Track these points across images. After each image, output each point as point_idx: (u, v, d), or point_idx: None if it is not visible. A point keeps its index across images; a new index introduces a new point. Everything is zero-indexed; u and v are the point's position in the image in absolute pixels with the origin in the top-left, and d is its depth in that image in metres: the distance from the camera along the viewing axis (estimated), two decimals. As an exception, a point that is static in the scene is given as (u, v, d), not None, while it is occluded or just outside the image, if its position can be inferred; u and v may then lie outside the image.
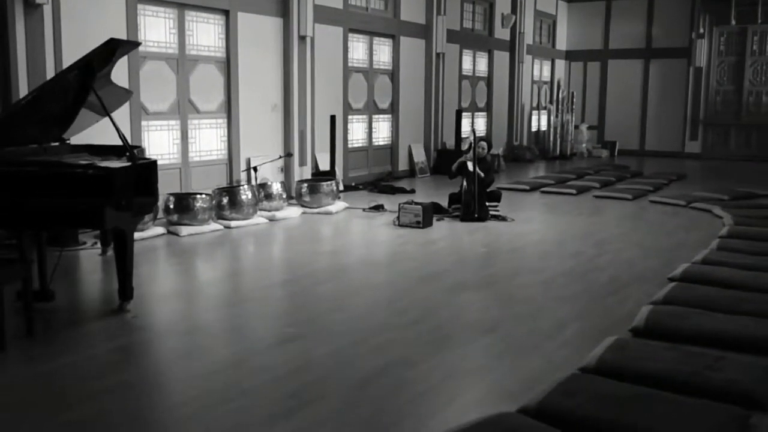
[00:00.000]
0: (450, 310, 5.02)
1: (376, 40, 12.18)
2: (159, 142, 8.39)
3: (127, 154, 4.98)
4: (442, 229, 8.10)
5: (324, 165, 10.80)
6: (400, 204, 8.27)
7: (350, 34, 11.40)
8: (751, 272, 5.89)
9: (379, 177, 12.22)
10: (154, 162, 5.13)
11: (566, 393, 3.43)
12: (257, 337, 4.44)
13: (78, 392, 3.56)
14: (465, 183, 8.72)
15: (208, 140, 9.12)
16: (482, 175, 8.70)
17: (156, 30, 8.24)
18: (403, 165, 13.13)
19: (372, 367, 3.93)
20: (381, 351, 4.19)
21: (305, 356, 4.07)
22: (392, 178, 12.49)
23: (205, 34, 8.90)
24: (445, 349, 4.23)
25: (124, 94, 5.82)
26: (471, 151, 8.85)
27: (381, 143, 12.63)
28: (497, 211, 8.83)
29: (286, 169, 10.16)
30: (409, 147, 13.23)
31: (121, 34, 7.69)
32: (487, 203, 8.72)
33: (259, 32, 9.58)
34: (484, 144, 8.99)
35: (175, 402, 3.50)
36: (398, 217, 8.21)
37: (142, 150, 6.34)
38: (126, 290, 4.84)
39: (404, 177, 12.90)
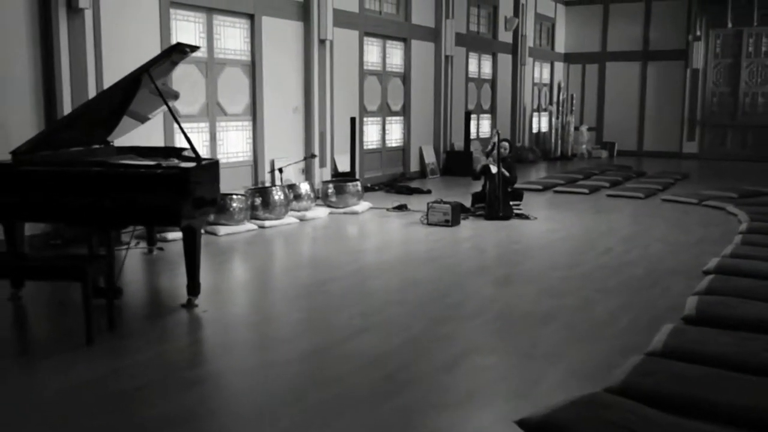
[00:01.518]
0: (503, 302, 5.23)
1: (389, 43, 12.40)
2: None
3: (195, 154, 5.14)
4: (470, 227, 8.31)
5: (342, 166, 10.99)
6: (428, 203, 8.48)
7: (365, 38, 11.60)
8: (781, 264, 6.16)
9: (392, 178, 12.42)
10: (217, 162, 5.31)
11: (644, 374, 3.65)
12: (328, 329, 4.61)
13: (173, 382, 3.73)
14: (488, 183, 8.95)
15: (235, 142, 9.28)
16: (507, 174, 8.94)
17: (186, 34, 8.40)
18: (414, 166, 13.34)
19: (449, 354, 4.13)
20: (451, 340, 4.39)
21: (382, 346, 4.25)
22: (405, 179, 12.70)
23: (232, 38, 9.07)
24: (512, 338, 4.44)
25: (172, 96, 6.00)
26: (494, 152, 9.08)
27: (394, 145, 12.84)
28: (520, 209, 9.07)
29: (307, 170, 10.34)
30: (420, 148, 13.44)
31: (155, 38, 7.88)
32: (510, 202, 8.95)
33: (281, 36, 9.76)
34: (506, 144, 9.22)
35: (272, 387, 3.67)
36: (427, 216, 8.41)
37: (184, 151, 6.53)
38: (195, 286, 5.01)
39: (415, 178, 13.12)
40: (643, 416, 3.16)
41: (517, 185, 9.45)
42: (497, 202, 8.83)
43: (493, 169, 8.92)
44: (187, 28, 8.42)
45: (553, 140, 18.34)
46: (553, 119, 18.35)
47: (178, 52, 5.16)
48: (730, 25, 17.42)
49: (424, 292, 5.52)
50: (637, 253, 6.93)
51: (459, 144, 14.28)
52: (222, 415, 3.33)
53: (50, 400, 3.48)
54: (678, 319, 4.75)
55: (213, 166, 5.18)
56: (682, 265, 6.45)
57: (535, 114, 18.65)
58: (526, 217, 8.88)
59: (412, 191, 11.21)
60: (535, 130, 18.63)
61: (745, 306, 4.86)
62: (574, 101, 18.90)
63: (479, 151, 14.93)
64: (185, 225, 4.76)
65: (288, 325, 4.69)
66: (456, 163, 13.89)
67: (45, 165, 4.86)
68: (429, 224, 8.32)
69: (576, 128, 18.88)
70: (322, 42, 10.26)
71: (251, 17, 9.26)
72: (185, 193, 4.65)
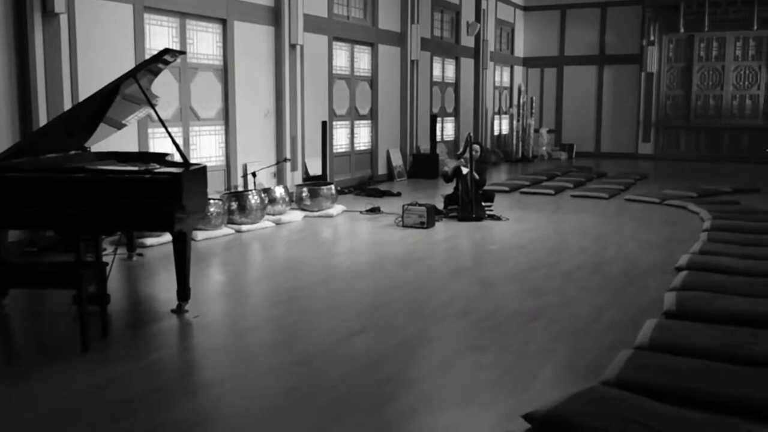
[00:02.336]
0: (490, 302, 5.35)
1: (357, 47, 12.49)
2: (163, 150, 8.46)
3: (182, 159, 5.15)
4: (445, 229, 8.44)
5: (313, 170, 11.03)
6: (404, 206, 8.58)
7: (334, 42, 11.67)
8: (749, 260, 6.44)
9: (360, 181, 12.50)
10: (205, 167, 5.31)
11: (637, 366, 3.81)
12: (322, 332, 4.65)
13: (177, 389, 3.75)
14: (461, 185, 9.11)
15: (208, 147, 9.25)
16: (477, 177, 9.12)
17: (160, 38, 8.35)
18: (382, 169, 13.44)
19: (445, 353, 4.24)
20: (445, 339, 4.50)
21: (378, 347, 4.33)
22: (373, 182, 12.78)
23: (205, 42, 9.05)
24: (503, 336, 4.57)
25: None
26: (465, 154, 9.24)
27: (362, 148, 12.93)
28: (492, 210, 9.25)
29: (279, 174, 10.35)
30: (388, 152, 13.56)
31: (129, 43, 7.83)
32: (482, 203, 9.13)
33: (253, 40, 9.77)
34: (477, 147, 9.39)
35: (273, 391, 3.71)
36: (402, 218, 8.52)
37: (171, 156, 6.53)
38: (185, 291, 5.01)
39: (383, 181, 13.21)
40: (642, 406, 3.30)
41: (486, 187, 9.63)
42: (470, 203, 8.99)
43: (464, 170, 9.08)
44: (160, 33, 8.37)
45: (514, 142, 18.65)
46: (514, 122, 18.67)
47: (166, 57, 5.16)
48: (682, 30, 17.97)
49: (411, 294, 5.62)
50: (612, 252, 7.15)
51: (425, 147, 14.44)
52: (230, 421, 3.36)
53: (56, 410, 3.45)
54: (659, 314, 4.94)
55: (202, 171, 5.19)
56: (655, 263, 6.68)
57: (497, 117, 18.95)
58: (498, 218, 9.05)
59: (382, 194, 11.31)
60: (496, 133, 18.93)
61: (722, 300, 5.07)
62: (534, 104, 19.26)
63: (445, 154, 15.14)
64: (177, 230, 4.76)
65: (281, 329, 4.72)
66: (423, 165, 14.04)
67: (32, 171, 4.81)
68: (404, 226, 8.43)
69: (536, 131, 19.23)
70: (292, 47, 10.29)
71: (223, 22, 9.25)
72: (178, 197, 4.65)
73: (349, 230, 8.55)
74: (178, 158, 7.12)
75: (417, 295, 5.57)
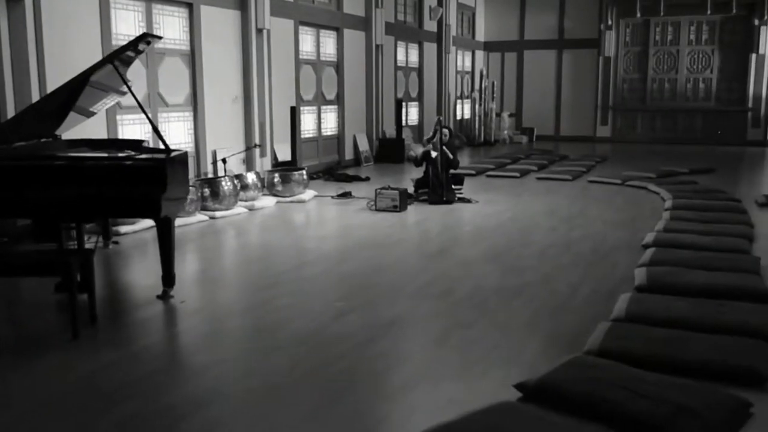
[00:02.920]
0: (472, 281, 5.50)
1: (323, 32, 12.49)
2: (132, 136, 8.41)
3: (164, 146, 5.15)
4: (418, 212, 8.58)
5: (282, 155, 11.05)
6: (376, 189, 8.68)
7: (300, 27, 11.66)
8: (710, 237, 6.72)
9: (328, 166, 12.54)
10: (186, 153, 5.33)
11: (617, 337, 4.00)
12: (313, 313, 4.73)
13: (177, 371, 3.81)
14: (431, 168, 9.24)
15: (177, 133, 9.19)
16: (451, 157, 9.27)
17: (126, 23, 8.26)
18: (349, 154, 13.51)
19: (436, 330, 4.38)
20: (434, 317, 4.64)
21: (371, 326, 4.43)
22: (340, 167, 12.84)
23: (171, 27, 8.97)
24: (489, 312, 4.72)
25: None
26: (435, 138, 9.37)
27: (329, 133, 12.97)
28: (462, 193, 9.41)
29: (248, 161, 10.34)
30: (354, 137, 13.62)
31: (96, 28, 7.74)
32: (453, 186, 9.28)
33: (219, 25, 9.71)
34: (446, 131, 9.53)
35: (273, 371, 3.78)
36: (375, 202, 8.62)
37: (147, 143, 6.51)
38: (170, 277, 5.03)
39: (350, 166, 13.28)
40: (626, 373, 3.48)
41: (456, 170, 9.78)
42: (440, 187, 9.14)
43: (433, 154, 9.22)
44: (126, 17, 8.28)
45: (476, 127, 18.86)
46: (476, 106, 18.88)
47: (143, 42, 5.15)
48: (638, 14, 18.40)
49: (395, 275, 5.74)
50: (581, 232, 7.37)
51: (390, 132, 14.53)
52: (234, 400, 3.44)
53: (55, 397, 3.48)
54: (631, 288, 5.16)
55: (183, 157, 5.21)
56: (622, 241, 6.93)
57: (459, 101, 19.13)
58: (469, 201, 9.22)
59: (351, 179, 11.38)
60: (459, 117, 19.12)
61: (689, 274, 5.31)
62: (495, 88, 19.49)
63: (410, 138, 15.27)
64: (163, 216, 4.78)
65: (271, 312, 4.78)
66: (389, 150, 14.15)
67: (11, 160, 4.77)
68: (377, 210, 8.53)
69: (497, 115, 19.48)
70: (259, 31, 10.26)
71: (190, 6, 9.18)
72: (163, 184, 4.67)
73: (323, 215, 8.62)
74: (153, 144, 7.15)
75: (399, 276, 5.70)
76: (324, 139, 12.82)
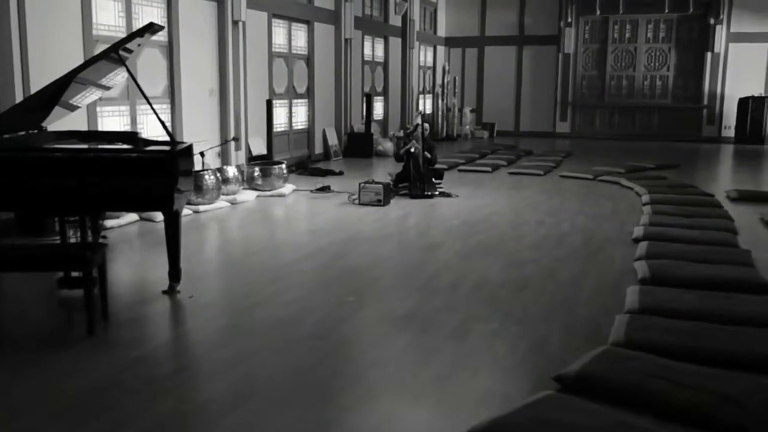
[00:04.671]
0: (476, 274, 5.54)
1: (294, 25, 12.37)
2: (113, 128, 8.19)
3: (170, 138, 5.04)
4: (402, 206, 8.58)
5: (256, 149, 10.91)
6: (360, 183, 8.66)
7: (273, 19, 11.52)
8: (695, 230, 6.93)
9: (299, 160, 12.44)
10: (191, 145, 5.22)
11: (639, 329, 4.09)
12: (328, 307, 4.66)
13: (206, 365, 3.74)
14: (412, 163, 9.27)
15: (155, 126, 8.95)
16: (429, 155, 9.31)
17: (106, 13, 8.03)
18: (318, 148, 13.42)
19: (455, 323, 4.40)
20: (450, 311, 4.64)
21: (388, 320, 4.44)
22: (311, 161, 12.75)
23: (150, 17, 8.74)
24: (501, 306, 4.77)
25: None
26: (416, 132, 9.40)
27: (300, 127, 12.86)
28: (442, 187, 9.46)
29: (223, 154, 10.18)
30: (324, 131, 13.54)
31: (77, 16, 7.51)
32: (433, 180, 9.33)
33: (196, 16, 9.52)
34: (426, 126, 9.57)
35: (312, 360, 3.75)
36: (359, 196, 8.59)
37: (139, 134, 6.36)
38: (177, 272, 4.93)
39: (320, 160, 13.20)
40: (659, 363, 3.56)
41: (437, 166, 9.82)
42: (421, 181, 9.17)
43: (413, 149, 9.25)
44: (106, 7, 8.04)
45: (439, 122, 18.96)
46: (439, 101, 18.97)
47: (149, 33, 5.02)
48: (598, 12, 18.77)
49: (397, 269, 5.74)
50: (567, 225, 7.50)
51: (358, 126, 14.50)
52: (272, 394, 3.39)
53: (87, 394, 3.37)
54: (634, 281, 5.28)
55: (189, 149, 5.11)
56: (610, 234, 7.08)
57: (422, 96, 19.19)
58: (449, 195, 9.27)
59: (325, 173, 11.32)
60: (420, 111, 19.15)
61: (690, 267, 5.47)
62: (457, 84, 19.62)
63: (378, 133, 15.26)
64: (175, 210, 4.68)
65: (285, 306, 4.71)
66: (357, 144, 14.12)
67: (15, 151, 4.59)
68: (361, 204, 8.51)
69: (459, 110, 19.62)
70: (235, 23, 10.10)
71: (168, -4, 8.98)
72: (174, 176, 4.57)
73: (307, 209, 8.55)
74: (146, 136, 6.98)
75: (402, 270, 5.70)
76: (295, 133, 12.71)
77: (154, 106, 8.70)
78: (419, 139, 9.35)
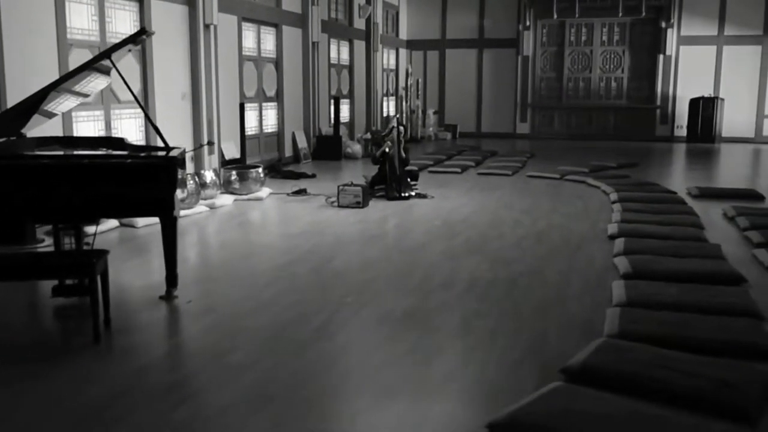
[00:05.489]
0: (465, 274, 5.69)
1: (263, 28, 12.38)
2: (86, 134, 8.11)
3: (164, 145, 5.07)
4: (381, 208, 8.69)
5: (229, 153, 10.90)
6: (339, 186, 8.75)
7: (243, 23, 11.52)
8: (666, 226, 7.22)
9: (270, 163, 12.45)
10: (185, 150, 5.25)
11: (632, 321, 4.30)
12: (328, 309, 4.73)
13: (220, 368, 3.80)
14: (388, 165, 9.39)
15: (129, 130, 8.92)
16: (404, 155, 9.46)
17: (79, 16, 7.97)
18: (288, 151, 13.45)
19: (455, 321, 4.55)
20: (448, 310, 4.79)
21: (391, 320, 4.56)
22: (281, 164, 12.77)
23: (123, 21, 8.70)
24: (495, 303, 4.93)
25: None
26: (392, 135, 9.54)
27: (269, 130, 12.88)
28: (417, 189, 9.61)
29: (197, 159, 10.15)
30: (293, 134, 13.57)
31: (51, 20, 7.44)
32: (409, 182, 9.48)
33: (169, 20, 9.49)
34: (401, 128, 9.71)
35: (324, 362, 3.84)
36: (338, 199, 8.68)
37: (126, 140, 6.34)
38: (174, 277, 4.96)
39: (290, 163, 13.23)
40: (657, 353, 3.75)
41: (411, 167, 9.97)
42: (398, 182, 9.31)
43: (388, 150, 9.40)
44: (80, 11, 7.97)
45: (403, 124, 19.11)
46: (403, 103, 19.15)
47: (140, 37, 5.04)
48: (555, 16, 19.19)
49: (388, 269, 5.84)
50: (544, 224, 7.72)
51: (326, 129, 14.56)
52: (294, 397, 3.48)
53: (103, 401, 3.41)
54: (616, 276, 5.50)
55: (184, 155, 5.14)
56: (586, 231, 7.32)
57: (385, 99, 19.34)
58: (425, 196, 9.43)
59: (298, 176, 11.37)
60: (385, 115, 19.32)
61: (667, 261, 5.72)
62: (420, 86, 19.83)
63: (346, 136, 15.35)
64: (174, 215, 4.72)
65: (286, 309, 4.77)
66: (326, 147, 14.19)
67: (17, 158, 4.58)
68: (340, 206, 8.60)
69: (423, 112, 19.83)
70: (207, 27, 10.09)
71: (140, 0, 8.92)
72: (175, 181, 4.62)
73: (287, 212, 8.60)
74: (134, 142, 6.95)
75: (393, 270, 5.81)
76: (265, 137, 12.72)
77: (127, 111, 8.68)
78: (395, 142, 9.49)
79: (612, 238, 6.87)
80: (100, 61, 4.94)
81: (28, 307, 4.92)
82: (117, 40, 8.47)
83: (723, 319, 4.38)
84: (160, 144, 5.36)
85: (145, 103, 9.12)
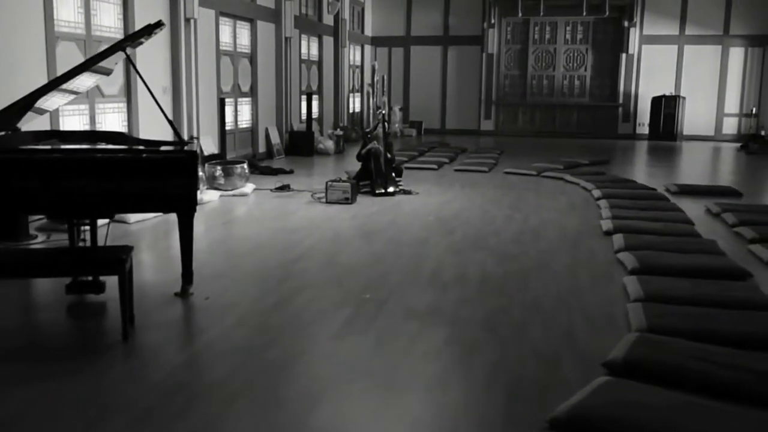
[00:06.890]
0: (475, 267, 5.75)
1: (239, 23, 12.22)
2: (72, 128, 7.89)
3: (179, 139, 4.97)
4: (369, 203, 8.68)
5: (207, 149, 10.73)
6: (327, 182, 8.70)
7: (220, 17, 11.35)
8: (657, 222, 7.40)
9: (245, 159, 12.28)
10: (199, 145, 5.16)
11: (657, 316, 4.39)
12: (350, 305, 4.70)
13: (265, 366, 3.76)
14: (374, 161, 9.39)
15: (112, 125, 8.71)
16: (389, 155, 9.47)
17: (66, 9, 7.74)
18: (262, 147, 13.32)
19: (481, 315, 4.58)
20: (470, 304, 4.82)
21: (416, 315, 4.57)
22: (256, 159, 12.64)
23: (107, 14, 8.50)
24: (515, 297, 4.99)
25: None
26: (376, 131, 9.54)
27: (244, 126, 12.73)
28: (401, 185, 9.63)
29: (176, 154, 9.96)
30: (267, 129, 13.44)
31: (39, 12, 7.20)
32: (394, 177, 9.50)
33: (151, 13, 9.27)
34: (386, 124, 9.71)
35: (363, 358, 3.84)
36: (326, 194, 8.64)
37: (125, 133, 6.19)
38: (189, 274, 4.88)
39: (263, 158, 13.11)
40: (691, 347, 3.85)
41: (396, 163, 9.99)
42: (383, 179, 9.31)
43: (372, 145, 9.40)
44: (66, 3, 7.74)
45: (369, 120, 19.12)
46: (370, 100, 19.13)
47: (155, 30, 4.92)
48: (519, 14, 19.44)
49: (397, 264, 5.84)
50: (536, 219, 7.83)
51: (296, 125, 14.47)
52: (344, 394, 3.47)
53: (153, 397, 3.34)
54: (623, 271, 5.63)
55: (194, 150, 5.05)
56: (579, 226, 7.46)
57: (351, 95, 19.30)
58: (410, 192, 9.45)
59: (276, 172, 11.27)
60: (351, 111, 19.30)
61: (670, 257, 5.86)
62: (386, 83, 19.84)
63: (318, 131, 15.26)
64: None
65: (309, 305, 4.74)
66: (298, 143, 14.11)
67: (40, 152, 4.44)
68: (329, 202, 8.57)
69: (390, 108, 19.83)
70: (187, 20, 9.91)
71: (122, -8, 8.72)
72: (196, 176, 4.54)
73: (275, 208, 8.51)
74: (135, 135, 6.78)
75: (402, 265, 5.81)
76: (240, 132, 12.57)
77: (111, 105, 8.48)
78: (380, 138, 9.48)
79: (608, 233, 7.01)
80: (114, 53, 4.80)
81: (46, 306, 4.77)
82: (101, 34, 8.29)
83: (744, 313, 4.50)
84: (159, 139, 5.31)
85: (128, 97, 8.93)
